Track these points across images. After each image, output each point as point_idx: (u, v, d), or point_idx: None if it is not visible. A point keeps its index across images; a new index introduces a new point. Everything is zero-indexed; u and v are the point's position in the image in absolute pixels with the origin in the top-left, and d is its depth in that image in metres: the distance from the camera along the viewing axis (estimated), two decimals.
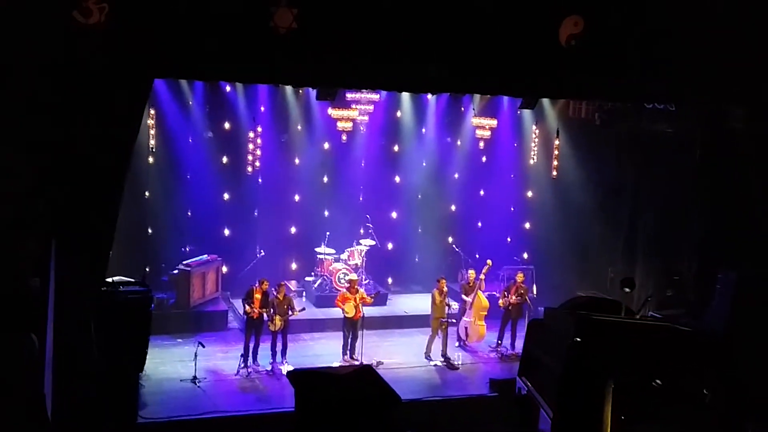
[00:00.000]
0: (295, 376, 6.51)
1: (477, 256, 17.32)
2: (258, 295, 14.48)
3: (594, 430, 8.97)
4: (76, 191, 10.48)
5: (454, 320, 15.90)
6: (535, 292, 17.34)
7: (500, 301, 16.29)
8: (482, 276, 16.44)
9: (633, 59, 12.43)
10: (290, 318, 14.78)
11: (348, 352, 15.09)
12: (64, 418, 10.29)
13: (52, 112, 10.09)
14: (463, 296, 16.27)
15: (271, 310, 14.51)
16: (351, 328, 15.09)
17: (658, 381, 9.13)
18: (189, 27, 10.41)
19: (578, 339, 9.32)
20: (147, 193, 17.26)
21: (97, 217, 10.86)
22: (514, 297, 16.12)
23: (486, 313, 16.43)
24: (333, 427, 5.90)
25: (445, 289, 15.68)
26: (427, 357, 15.62)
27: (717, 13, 12.51)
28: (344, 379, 6.63)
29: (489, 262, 16.85)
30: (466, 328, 16.27)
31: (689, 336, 10.13)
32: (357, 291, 15.33)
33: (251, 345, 14.54)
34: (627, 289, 11.81)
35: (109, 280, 12.09)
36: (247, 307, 14.43)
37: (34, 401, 8.88)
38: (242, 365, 14.33)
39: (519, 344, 16.10)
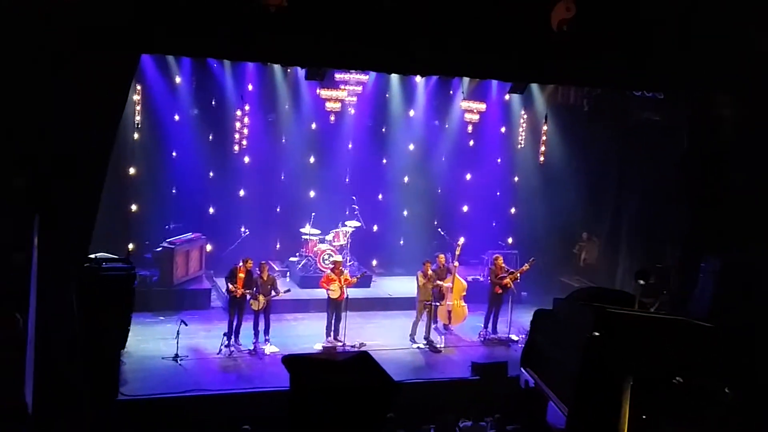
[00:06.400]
0: (291, 361, 6.42)
1: (462, 239, 17.32)
2: (241, 275, 14.43)
3: (611, 428, 8.81)
4: (59, 166, 10.36)
5: (439, 303, 15.90)
6: (518, 276, 17.36)
7: (505, 281, 16.04)
8: (456, 261, 16.43)
9: (623, 46, 12.43)
10: (274, 298, 14.76)
11: (331, 334, 15.09)
12: (45, 395, 10.23)
13: (37, 87, 9.96)
14: (438, 281, 16.11)
15: (254, 289, 14.48)
16: (335, 309, 15.08)
17: (679, 378, 8.97)
18: (177, 1, 10.28)
19: (597, 333, 9.07)
20: (132, 170, 17.12)
21: (81, 193, 10.76)
22: (509, 280, 16.08)
23: (465, 293, 16.46)
24: (331, 414, 5.83)
25: (430, 272, 15.68)
26: (412, 339, 15.64)
27: (706, 1, 12.52)
28: (342, 366, 6.53)
29: (460, 241, 16.89)
30: (449, 312, 16.28)
31: (709, 332, 9.90)
32: (342, 272, 15.31)
33: (234, 324, 14.50)
34: (642, 282, 11.55)
35: (92, 256, 11.99)
36: (231, 286, 14.38)
37: (14, 387, 8.78)
38: (225, 344, 14.30)
39: (500, 328, 16.26)
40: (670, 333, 9.58)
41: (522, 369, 11.23)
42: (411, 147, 19.89)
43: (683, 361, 9.12)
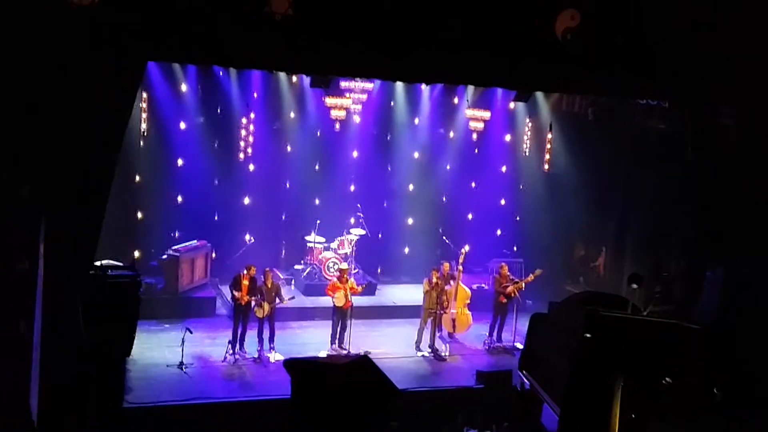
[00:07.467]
0: (292, 364, 6.46)
1: (467, 247, 17.32)
2: (245, 282, 14.44)
3: (602, 428, 8.88)
4: (66, 173, 10.40)
5: (443, 312, 15.87)
6: (523, 286, 17.36)
7: (509, 289, 16.09)
8: (460, 267, 16.42)
9: (628, 55, 12.45)
10: (279, 306, 14.76)
11: (336, 341, 15.09)
12: (50, 401, 10.25)
13: (43, 94, 10.01)
14: (447, 288, 16.05)
15: (259, 296, 14.49)
16: (340, 317, 15.08)
17: (668, 379, 9.06)
18: (184, 10, 10.34)
19: (588, 335, 9.19)
20: (138, 178, 17.17)
21: (87, 201, 10.78)
22: (512, 288, 16.06)
23: (469, 301, 16.45)
24: (331, 417, 5.87)
25: (435, 280, 15.64)
26: (417, 347, 15.61)
27: (710, 11, 12.54)
28: (342, 369, 6.58)
29: (464, 249, 16.87)
30: (452, 320, 16.26)
31: (699, 334, 9.99)
32: (347, 280, 15.31)
33: (239, 332, 14.51)
34: (635, 285, 11.64)
35: (98, 263, 12.01)
36: (236, 294, 14.39)
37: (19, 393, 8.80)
38: (230, 352, 14.29)
39: (505, 336, 16.25)
40: (660, 335, 9.69)
41: (520, 372, 11.29)
42: (416, 155, 19.92)
43: (673, 363, 9.22)
